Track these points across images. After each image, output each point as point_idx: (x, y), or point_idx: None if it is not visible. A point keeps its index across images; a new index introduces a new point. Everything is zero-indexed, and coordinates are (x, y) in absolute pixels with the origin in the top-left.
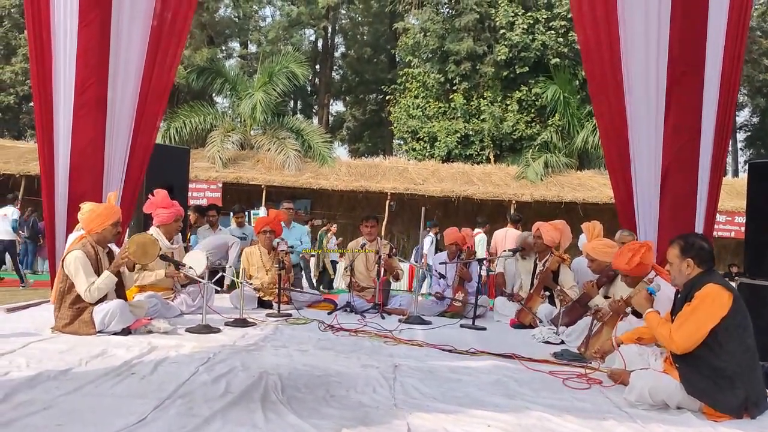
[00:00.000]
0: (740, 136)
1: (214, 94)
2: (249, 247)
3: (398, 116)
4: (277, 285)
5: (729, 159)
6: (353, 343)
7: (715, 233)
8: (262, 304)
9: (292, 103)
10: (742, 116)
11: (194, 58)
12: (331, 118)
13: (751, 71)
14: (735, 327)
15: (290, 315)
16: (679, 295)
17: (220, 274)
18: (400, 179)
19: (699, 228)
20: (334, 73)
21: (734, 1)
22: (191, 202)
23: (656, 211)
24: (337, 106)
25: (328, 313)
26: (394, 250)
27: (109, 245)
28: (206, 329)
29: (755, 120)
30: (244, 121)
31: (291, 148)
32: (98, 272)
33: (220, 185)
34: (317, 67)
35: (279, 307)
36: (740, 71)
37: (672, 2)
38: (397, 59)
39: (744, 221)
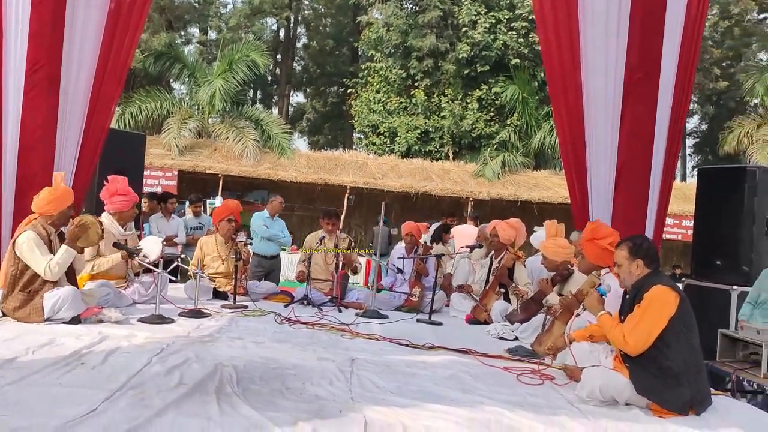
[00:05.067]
0: (689, 142)
1: (171, 80)
2: (205, 236)
3: (359, 110)
4: (233, 276)
5: (678, 164)
6: (310, 336)
7: (663, 235)
8: (218, 295)
9: (251, 93)
10: (692, 123)
11: (152, 43)
12: (291, 109)
13: (702, 79)
14: (681, 327)
15: (246, 307)
16: (627, 296)
17: (174, 263)
18: (359, 173)
19: (650, 230)
20: (295, 64)
21: (690, 11)
22: (145, 189)
23: (610, 212)
24: (297, 98)
25: (285, 306)
26: (353, 243)
27: (60, 228)
28: (159, 319)
29: (704, 127)
30: (202, 108)
31: (250, 137)
32: (52, 253)
33: (176, 173)
34: (278, 57)
35: (235, 299)
36: (693, 79)
37: (631, 10)
38: (360, 53)
39: (691, 224)
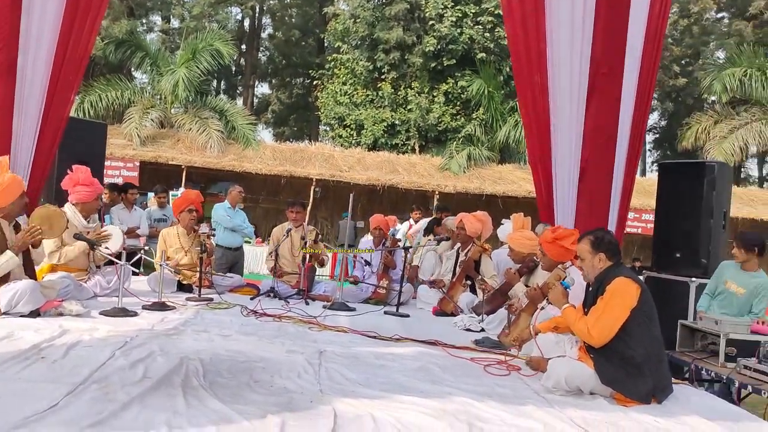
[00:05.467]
0: (649, 137)
1: (133, 69)
2: (166, 228)
3: (325, 102)
4: (197, 268)
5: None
6: (277, 328)
7: (625, 229)
8: (182, 287)
9: (215, 83)
10: (652, 119)
11: (112, 30)
12: (256, 100)
13: (663, 76)
14: (643, 318)
15: (211, 299)
16: (590, 288)
17: (138, 255)
18: (325, 165)
19: (613, 224)
20: (260, 55)
21: (653, 8)
22: (106, 180)
23: (573, 206)
24: (262, 89)
25: (251, 299)
26: (320, 236)
27: (16, 218)
28: (122, 312)
29: (663, 123)
30: (165, 98)
31: (214, 128)
32: (4, 247)
33: (137, 164)
34: (243, 47)
35: (200, 291)
36: (656, 76)
37: (596, 5)
38: (326, 44)
39: (651, 218)
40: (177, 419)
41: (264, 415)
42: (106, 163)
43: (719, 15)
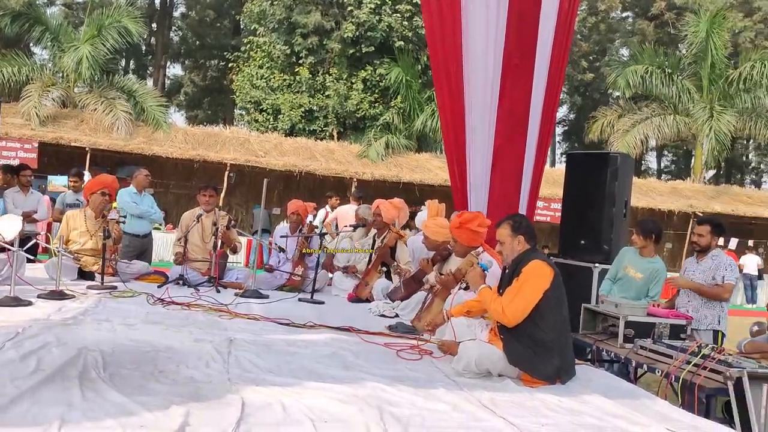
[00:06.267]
0: (558, 130)
1: (31, 44)
2: (71, 210)
3: (241, 85)
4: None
5: (548, 150)
6: (185, 317)
7: (534, 217)
8: (84, 275)
9: (124, 62)
10: (561, 112)
11: (8, 1)
12: (167, 82)
13: (572, 71)
14: (554, 300)
15: (115, 287)
16: (507, 271)
17: (33, 241)
18: (241, 150)
19: (522, 211)
20: (172, 34)
21: (563, 2)
22: (0, 161)
23: (486, 194)
24: (174, 69)
25: (159, 286)
26: (233, 222)
27: None
28: (14, 302)
29: (572, 116)
30: (67, 76)
31: (121, 109)
32: None
33: (36, 145)
34: (154, 25)
35: (103, 279)
36: (565, 68)
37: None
38: (242, 26)
39: (559, 207)
40: (71, 413)
41: (168, 406)
42: (1, 144)
43: (624, 14)
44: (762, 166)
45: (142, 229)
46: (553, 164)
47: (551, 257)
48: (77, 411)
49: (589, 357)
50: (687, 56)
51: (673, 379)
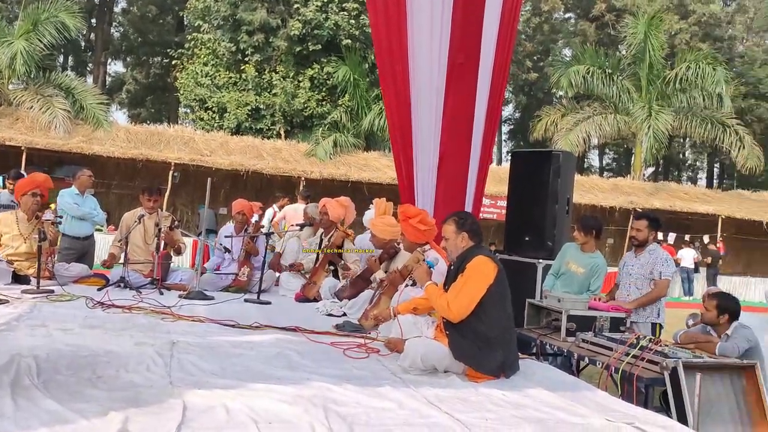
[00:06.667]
0: (504, 128)
1: None
2: (3, 213)
3: (185, 83)
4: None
5: (494, 148)
6: (126, 320)
7: (481, 214)
8: (18, 279)
9: (62, 58)
10: (507, 111)
11: None
12: (109, 79)
13: (516, 71)
14: (498, 296)
15: (52, 291)
16: (452, 267)
17: None
18: (185, 149)
19: (468, 209)
20: (113, 30)
21: (506, 4)
22: None
23: (433, 192)
24: (116, 67)
25: (98, 290)
26: (176, 222)
27: None
28: None
29: (517, 115)
30: (1, 72)
31: (59, 107)
32: None
33: None
34: (93, 21)
35: (38, 283)
36: (509, 67)
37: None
38: (186, 23)
39: (506, 204)
40: (2, 424)
41: (105, 413)
42: None
43: (567, 15)
44: (698, 163)
45: (84, 232)
46: (499, 162)
47: (497, 254)
48: (8, 421)
49: (534, 351)
50: (626, 57)
51: (613, 371)
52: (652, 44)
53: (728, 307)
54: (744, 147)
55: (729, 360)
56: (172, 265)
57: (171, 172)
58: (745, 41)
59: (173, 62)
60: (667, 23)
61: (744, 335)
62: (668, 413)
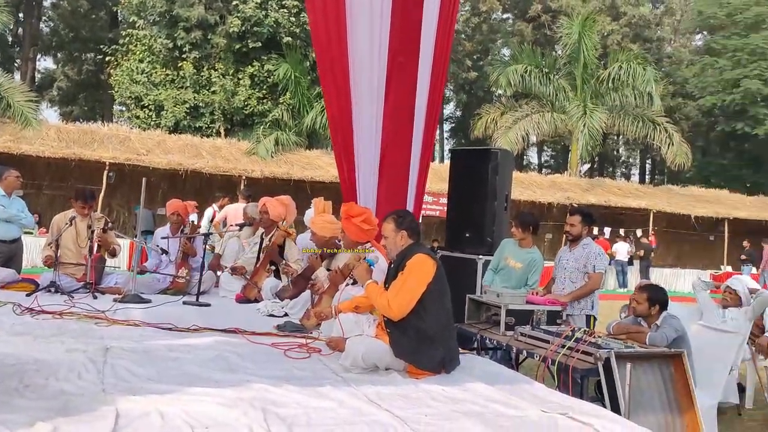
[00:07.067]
0: (446, 127)
1: None
2: None
3: (120, 80)
4: None
5: (436, 146)
6: (57, 326)
7: (423, 212)
8: None
9: None
10: (448, 109)
11: None
12: (38, 75)
13: (457, 70)
14: (437, 293)
15: None
16: (392, 265)
17: None
18: (120, 148)
19: (410, 206)
20: (42, 25)
21: (444, 4)
22: None
23: (375, 190)
24: (46, 63)
25: (27, 295)
26: (110, 224)
27: None
28: None
29: (458, 113)
30: None
31: None
32: None
33: None
34: (20, 15)
35: None
36: (447, 66)
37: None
38: (120, 18)
39: (447, 202)
40: None
41: (33, 423)
42: None
43: (505, 15)
44: (630, 159)
45: (10, 234)
46: (442, 160)
47: (439, 250)
48: None
49: (475, 346)
50: (562, 57)
51: (550, 363)
52: (586, 44)
53: (658, 298)
54: (673, 144)
55: (658, 349)
56: (106, 268)
57: (106, 172)
58: (672, 42)
59: (107, 59)
60: (600, 24)
61: (672, 325)
62: (602, 403)
